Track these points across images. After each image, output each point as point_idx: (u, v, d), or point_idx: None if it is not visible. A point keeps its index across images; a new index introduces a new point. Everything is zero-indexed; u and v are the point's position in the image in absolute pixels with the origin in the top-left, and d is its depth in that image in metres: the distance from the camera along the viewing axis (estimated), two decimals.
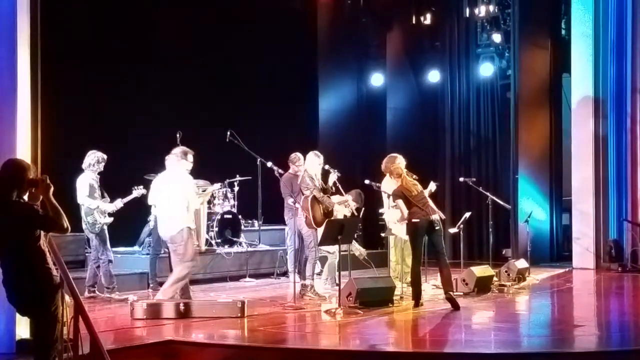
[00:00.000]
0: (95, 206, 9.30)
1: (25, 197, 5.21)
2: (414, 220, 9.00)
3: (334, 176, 10.03)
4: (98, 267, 9.41)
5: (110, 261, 9.38)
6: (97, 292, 9.38)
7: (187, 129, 11.14)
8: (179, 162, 8.64)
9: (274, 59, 13.88)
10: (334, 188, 10.07)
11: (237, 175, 12.21)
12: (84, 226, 9.32)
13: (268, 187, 11.26)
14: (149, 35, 12.31)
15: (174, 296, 8.39)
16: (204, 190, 10.21)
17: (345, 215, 10.27)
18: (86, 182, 9.34)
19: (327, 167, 10.02)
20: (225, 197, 12.06)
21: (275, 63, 13.92)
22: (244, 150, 10.71)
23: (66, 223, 5.18)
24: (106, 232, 9.43)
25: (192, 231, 8.57)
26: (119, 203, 9.53)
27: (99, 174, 9.48)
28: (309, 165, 9.80)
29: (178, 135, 10.97)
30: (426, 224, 8.99)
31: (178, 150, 8.75)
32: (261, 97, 13.79)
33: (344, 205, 9.94)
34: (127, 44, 12.14)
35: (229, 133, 10.77)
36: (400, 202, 9.07)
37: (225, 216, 11.91)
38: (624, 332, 8.14)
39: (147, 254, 10.90)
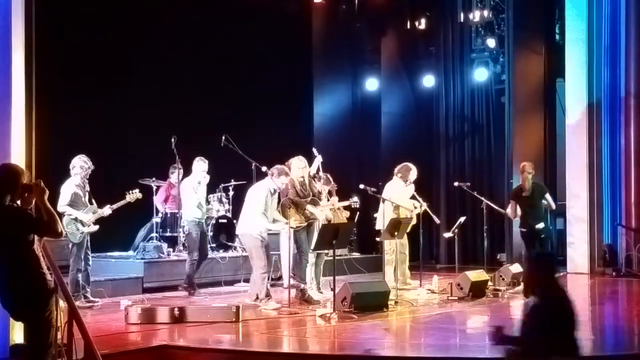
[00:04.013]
0: (74, 216, 9.06)
1: (19, 202, 5.21)
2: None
3: (318, 160, 10.20)
4: (78, 272, 9.16)
5: (79, 270, 9.08)
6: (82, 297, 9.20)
7: (181, 133, 11.16)
8: (271, 178, 9.37)
9: (268, 63, 13.89)
10: (320, 174, 10.15)
11: (232, 180, 12.21)
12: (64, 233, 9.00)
13: None
14: (143, 39, 12.30)
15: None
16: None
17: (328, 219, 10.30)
18: (70, 189, 9.08)
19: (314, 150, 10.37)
20: (220, 201, 12.05)
21: (270, 67, 13.92)
22: (238, 155, 10.70)
23: (60, 227, 5.18)
24: (86, 241, 9.17)
25: (260, 239, 9.24)
26: (107, 210, 9.28)
27: (87, 179, 9.24)
28: (293, 171, 9.87)
29: (173, 140, 10.99)
30: None
31: (280, 167, 9.46)
32: (256, 101, 13.78)
33: (329, 209, 10.00)
34: (122, 48, 12.13)
35: (223, 137, 10.75)
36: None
37: (220, 220, 11.91)
38: (618, 336, 8.16)
39: (142, 258, 10.89)
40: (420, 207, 10.56)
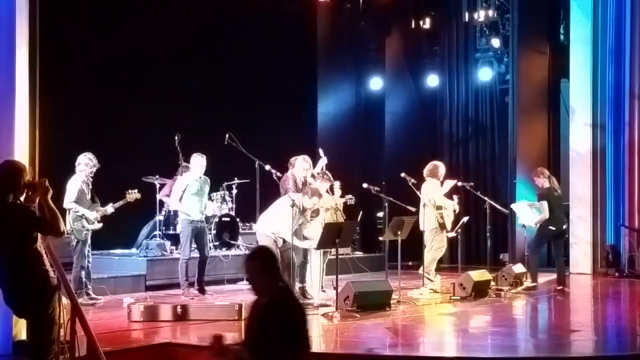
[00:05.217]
0: (80, 213, 9.08)
1: (22, 199, 5.22)
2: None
3: (322, 161, 10.20)
4: (82, 269, 9.16)
5: (82, 267, 9.09)
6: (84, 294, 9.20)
7: (185, 132, 11.16)
8: (303, 196, 9.25)
9: (273, 62, 13.89)
10: (322, 175, 10.15)
11: (236, 178, 12.21)
12: (68, 229, 8.92)
13: (266, 190, 11.28)
14: (146, 38, 12.30)
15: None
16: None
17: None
18: (76, 186, 9.11)
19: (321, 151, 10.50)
20: (224, 199, 12.06)
21: (274, 66, 13.93)
22: (242, 153, 10.71)
23: (62, 226, 5.19)
24: (89, 238, 9.22)
25: (273, 239, 9.12)
26: (109, 208, 9.32)
27: (92, 177, 9.26)
28: (297, 169, 9.92)
29: (176, 138, 11.00)
30: None
31: (314, 188, 9.34)
32: (260, 100, 13.80)
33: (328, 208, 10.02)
34: (125, 46, 12.14)
35: (227, 136, 10.77)
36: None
37: (223, 219, 11.91)
38: (620, 337, 8.15)
39: (145, 256, 10.90)
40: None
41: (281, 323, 4.44)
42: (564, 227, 10.95)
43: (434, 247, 10.53)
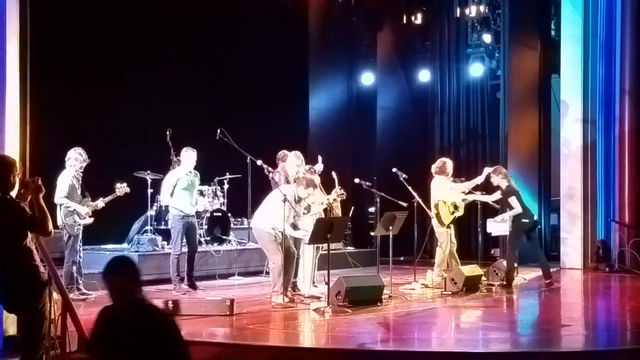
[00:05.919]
0: (72, 208, 9.07)
1: (13, 194, 5.20)
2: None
3: (318, 167, 10.27)
4: (73, 264, 9.13)
5: (74, 262, 9.07)
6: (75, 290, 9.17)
7: (177, 127, 11.15)
8: (297, 187, 9.18)
9: (264, 57, 13.88)
10: (309, 170, 10.16)
11: (227, 173, 12.21)
12: (60, 224, 8.97)
13: (258, 185, 11.27)
14: (138, 33, 12.27)
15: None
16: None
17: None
18: (66, 181, 9.09)
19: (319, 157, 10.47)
20: (215, 195, 12.05)
21: (266, 61, 13.91)
22: (234, 148, 10.70)
23: (50, 227, 5.17)
24: (81, 233, 9.20)
25: (274, 235, 9.01)
26: (100, 203, 9.30)
27: (82, 172, 9.24)
28: (289, 165, 9.90)
29: (168, 133, 10.99)
30: None
31: (310, 178, 9.24)
32: (251, 96, 13.78)
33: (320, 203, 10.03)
34: (117, 42, 12.11)
35: (219, 131, 10.76)
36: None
37: (215, 214, 11.90)
38: (610, 331, 8.19)
39: (136, 251, 10.88)
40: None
41: (162, 339, 4.06)
42: (535, 218, 11.16)
43: (442, 245, 10.64)
